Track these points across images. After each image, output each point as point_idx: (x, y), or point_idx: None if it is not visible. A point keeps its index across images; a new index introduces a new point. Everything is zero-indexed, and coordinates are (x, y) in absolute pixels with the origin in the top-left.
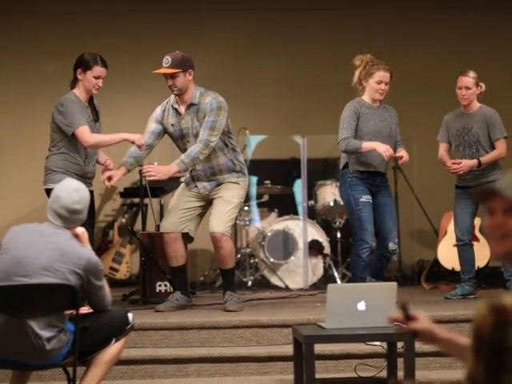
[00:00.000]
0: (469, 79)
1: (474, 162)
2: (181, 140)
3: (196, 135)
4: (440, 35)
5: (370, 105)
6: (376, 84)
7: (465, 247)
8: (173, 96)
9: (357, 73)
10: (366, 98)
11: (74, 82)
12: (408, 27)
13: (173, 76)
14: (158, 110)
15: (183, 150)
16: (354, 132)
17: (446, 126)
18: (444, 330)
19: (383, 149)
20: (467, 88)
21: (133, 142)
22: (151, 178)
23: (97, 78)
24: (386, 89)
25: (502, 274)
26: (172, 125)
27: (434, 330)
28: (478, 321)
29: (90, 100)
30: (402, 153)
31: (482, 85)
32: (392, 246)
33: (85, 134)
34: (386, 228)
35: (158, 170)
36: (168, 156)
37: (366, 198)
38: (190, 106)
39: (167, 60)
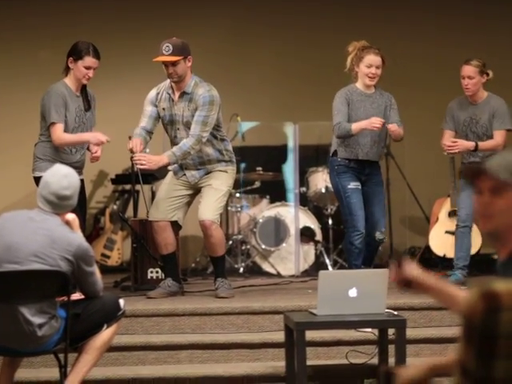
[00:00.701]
0: (471, 68)
1: (472, 143)
2: (170, 126)
3: (185, 124)
4: (440, 22)
5: (361, 91)
6: (366, 68)
7: (465, 230)
8: (168, 80)
9: (349, 59)
10: (358, 84)
11: (67, 70)
12: (407, 14)
13: (174, 64)
14: (153, 93)
15: (173, 136)
16: (347, 118)
17: (452, 115)
18: (431, 278)
19: (368, 125)
20: (469, 77)
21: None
22: (142, 167)
23: (87, 68)
24: (376, 73)
25: (493, 260)
26: (163, 109)
27: (422, 278)
28: (468, 307)
29: (83, 88)
30: (391, 125)
31: (490, 72)
32: (379, 235)
33: (56, 131)
34: (374, 218)
35: (149, 160)
36: (159, 144)
37: (353, 184)
38: (183, 94)
39: (168, 48)
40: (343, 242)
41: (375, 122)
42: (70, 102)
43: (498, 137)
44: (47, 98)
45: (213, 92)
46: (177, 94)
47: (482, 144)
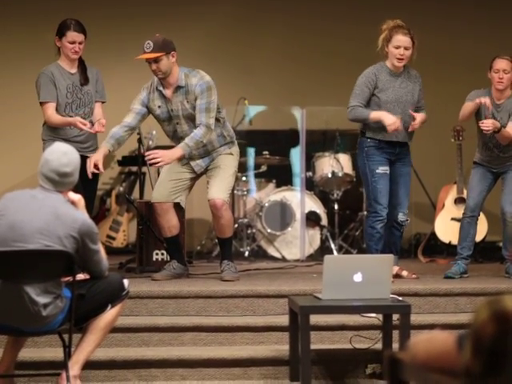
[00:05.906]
0: (507, 62)
1: (498, 124)
2: (168, 122)
3: (187, 117)
4: (453, 13)
5: (390, 71)
6: (394, 49)
7: (472, 220)
8: (156, 78)
9: (380, 38)
10: (388, 63)
11: (59, 51)
12: (414, 3)
13: (156, 60)
14: (144, 93)
15: (172, 131)
16: (366, 101)
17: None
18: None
19: (389, 121)
20: (505, 71)
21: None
22: (158, 165)
23: (72, 43)
24: (405, 53)
25: (498, 247)
26: (159, 106)
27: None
28: (478, 325)
29: (81, 65)
30: (416, 115)
31: None
32: (401, 217)
33: (46, 110)
34: (397, 198)
35: (163, 155)
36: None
37: (382, 169)
38: (177, 88)
39: (148, 45)
40: (364, 226)
41: (394, 127)
42: (60, 79)
43: None
44: (37, 80)
45: (206, 78)
46: (169, 90)
47: (504, 130)
